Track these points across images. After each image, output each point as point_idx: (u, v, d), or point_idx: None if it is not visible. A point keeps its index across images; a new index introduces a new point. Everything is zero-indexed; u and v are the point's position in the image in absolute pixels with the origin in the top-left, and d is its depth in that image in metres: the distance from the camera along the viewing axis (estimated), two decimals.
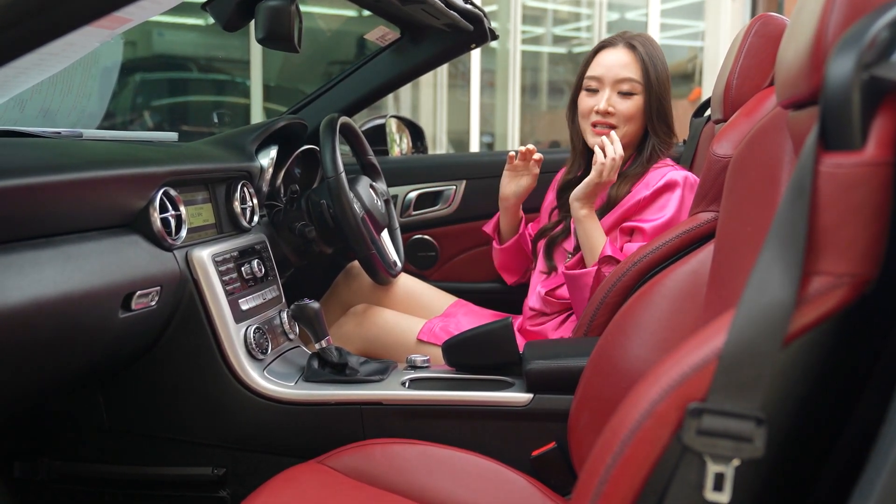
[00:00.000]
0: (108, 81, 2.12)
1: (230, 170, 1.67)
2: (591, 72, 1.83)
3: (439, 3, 1.78)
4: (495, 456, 1.31)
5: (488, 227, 2.08)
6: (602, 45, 1.84)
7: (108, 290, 1.22)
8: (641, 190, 1.75)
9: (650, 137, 1.80)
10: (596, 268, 1.69)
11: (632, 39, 1.81)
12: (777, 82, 0.84)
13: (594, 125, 1.81)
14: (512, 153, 1.90)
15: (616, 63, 1.79)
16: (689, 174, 1.75)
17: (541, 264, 1.91)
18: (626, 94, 1.78)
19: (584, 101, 1.83)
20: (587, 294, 1.70)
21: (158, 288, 1.35)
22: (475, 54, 7.43)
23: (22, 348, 1.11)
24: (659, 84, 1.77)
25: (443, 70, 7.84)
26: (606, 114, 1.78)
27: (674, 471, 0.59)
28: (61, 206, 1.17)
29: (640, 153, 1.81)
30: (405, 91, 7.99)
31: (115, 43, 2.27)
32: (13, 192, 1.06)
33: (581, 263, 1.76)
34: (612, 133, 1.74)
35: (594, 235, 1.73)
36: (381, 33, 2.08)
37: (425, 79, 7.83)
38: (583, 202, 1.73)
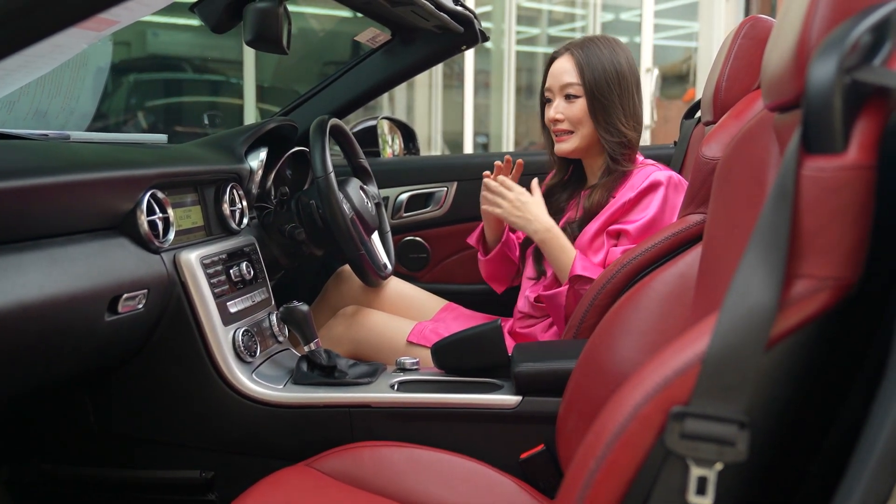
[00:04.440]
0: (98, 82, 2.11)
1: (219, 172, 1.67)
2: (546, 83, 1.87)
3: (429, 4, 1.78)
4: (484, 459, 1.31)
5: (472, 239, 2.07)
6: (552, 57, 1.87)
7: (94, 293, 1.21)
8: (627, 192, 1.75)
9: (602, 140, 1.79)
10: (567, 287, 1.71)
11: (574, 46, 1.83)
12: (763, 85, 0.84)
13: (555, 134, 1.84)
14: (488, 172, 1.87)
15: (559, 70, 1.83)
16: (674, 174, 1.75)
17: (529, 270, 1.90)
18: (572, 98, 1.81)
19: (546, 112, 1.87)
20: (563, 313, 1.73)
21: (145, 291, 1.34)
22: (469, 55, 7.42)
23: (7, 351, 1.11)
24: (597, 85, 1.77)
25: (437, 71, 7.84)
26: (556, 121, 1.82)
27: (657, 474, 0.59)
28: (47, 209, 1.16)
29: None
30: (400, 92, 7.99)
31: (105, 44, 2.26)
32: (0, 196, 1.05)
33: (555, 282, 1.78)
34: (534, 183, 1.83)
35: (559, 257, 1.75)
36: (372, 35, 2.08)
37: (420, 80, 7.83)
38: (534, 227, 1.77)
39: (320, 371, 1.49)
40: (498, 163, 1.87)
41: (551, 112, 1.82)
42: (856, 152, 0.58)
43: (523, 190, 1.81)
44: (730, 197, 1.03)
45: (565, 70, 1.81)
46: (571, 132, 1.81)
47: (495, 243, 1.99)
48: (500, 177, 1.83)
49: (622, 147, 1.78)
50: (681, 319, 1.16)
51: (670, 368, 0.60)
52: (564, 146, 1.83)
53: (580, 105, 1.79)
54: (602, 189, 1.79)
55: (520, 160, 1.89)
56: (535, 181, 1.86)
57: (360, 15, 2.06)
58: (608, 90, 1.78)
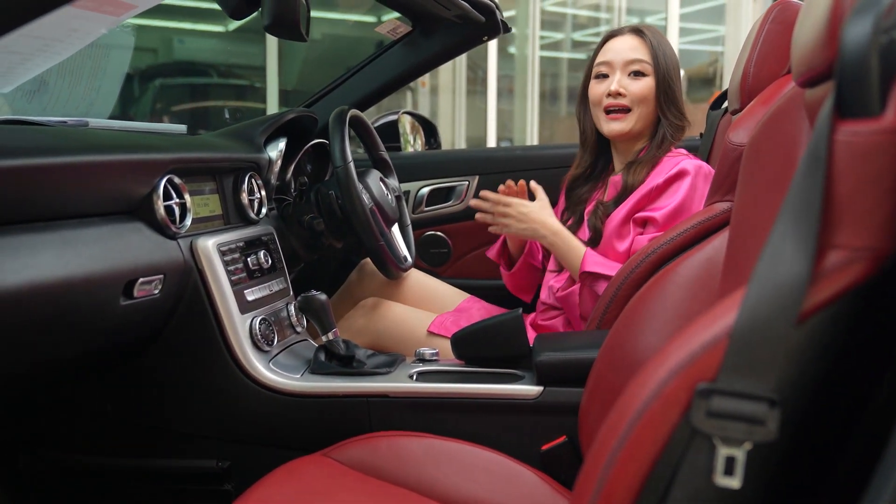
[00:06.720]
0: (115, 84, 2.12)
1: (237, 160, 1.66)
2: (600, 58, 1.83)
3: None
4: (504, 450, 1.29)
5: (492, 253, 2.04)
6: (610, 34, 1.85)
7: (108, 276, 1.20)
8: (655, 178, 1.73)
9: (662, 121, 1.78)
10: (579, 286, 1.70)
11: (638, 27, 1.82)
12: (793, 60, 0.81)
13: (607, 110, 1.79)
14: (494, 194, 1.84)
15: (625, 47, 1.79)
16: (704, 164, 1.73)
17: (552, 262, 1.88)
18: (637, 75, 1.78)
19: (595, 88, 1.82)
20: (577, 311, 1.71)
21: (161, 276, 1.33)
22: (493, 60, 7.42)
23: (19, 332, 1.10)
24: (668, 67, 1.77)
25: (461, 76, 7.85)
26: (618, 94, 1.77)
27: (683, 454, 0.57)
28: (61, 190, 1.15)
29: (653, 139, 1.80)
30: (423, 97, 8.02)
31: (126, 43, 2.27)
32: (11, 173, 1.04)
33: (571, 281, 1.76)
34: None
35: (568, 257, 1.73)
36: (392, 26, 2.07)
37: (444, 85, 7.85)
38: (541, 234, 1.75)
39: (338, 361, 1.47)
40: (502, 188, 1.85)
41: (613, 85, 1.77)
42: (893, 115, 0.55)
43: (522, 201, 1.79)
44: (759, 178, 1.00)
45: (633, 47, 1.79)
46: (628, 111, 1.78)
47: (519, 253, 1.97)
48: (493, 195, 1.81)
49: (678, 131, 1.78)
50: (707, 304, 1.12)
51: (696, 344, 0.58)
52: (619, 125, 1.78)
53: (646, 83, 1.77)
54: (645, 165, 1.76)
55: (522, 181, 1.86)
56: (533, 183, 1.84)
57: (384, 20, 2.06)
58: (674, 74, 1.78)
